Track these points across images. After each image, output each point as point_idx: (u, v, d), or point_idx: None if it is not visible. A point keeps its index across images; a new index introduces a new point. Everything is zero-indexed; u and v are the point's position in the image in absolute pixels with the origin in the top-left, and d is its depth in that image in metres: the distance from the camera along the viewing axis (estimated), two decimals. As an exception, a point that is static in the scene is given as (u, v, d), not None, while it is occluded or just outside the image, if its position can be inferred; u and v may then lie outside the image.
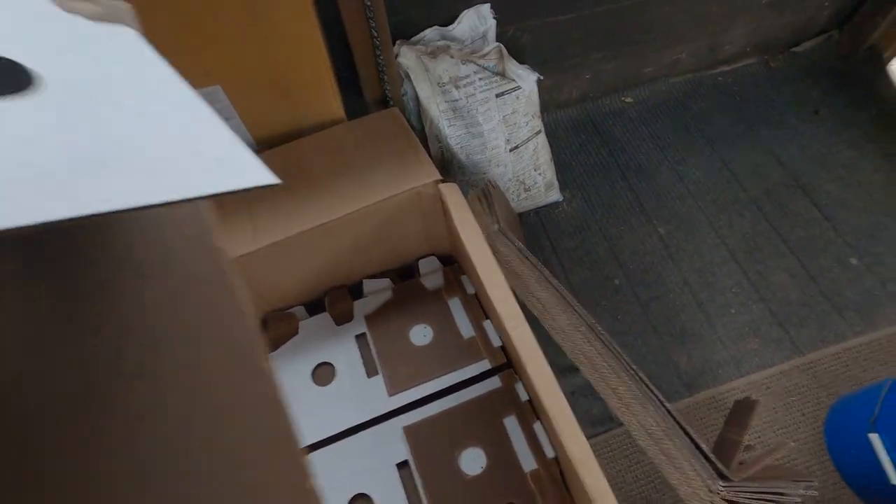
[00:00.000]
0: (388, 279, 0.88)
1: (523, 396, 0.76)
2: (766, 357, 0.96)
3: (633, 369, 0.66)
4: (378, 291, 0.88)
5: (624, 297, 1.04)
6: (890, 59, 1.32)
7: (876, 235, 1.07)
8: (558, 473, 0.71)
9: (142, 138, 0.17)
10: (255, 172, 0.18)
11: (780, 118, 1.25)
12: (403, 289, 0.88)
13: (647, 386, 0.65)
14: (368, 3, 0.77)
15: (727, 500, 0.58)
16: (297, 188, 0.79)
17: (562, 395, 0.58)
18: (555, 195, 1.14)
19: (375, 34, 0.81)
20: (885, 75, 1.31)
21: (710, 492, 0.58)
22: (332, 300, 0.84)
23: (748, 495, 0.57)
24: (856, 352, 0.94)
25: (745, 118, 1.26)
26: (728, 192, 1.15)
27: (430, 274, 0.90)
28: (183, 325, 0.20)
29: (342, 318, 0.83)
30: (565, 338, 0.71)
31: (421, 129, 1.01)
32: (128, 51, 0.21)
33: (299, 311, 0.84)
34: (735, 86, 1.32)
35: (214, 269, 0.22)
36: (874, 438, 0.74)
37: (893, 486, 0.71)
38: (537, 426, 0.73)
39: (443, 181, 0.77)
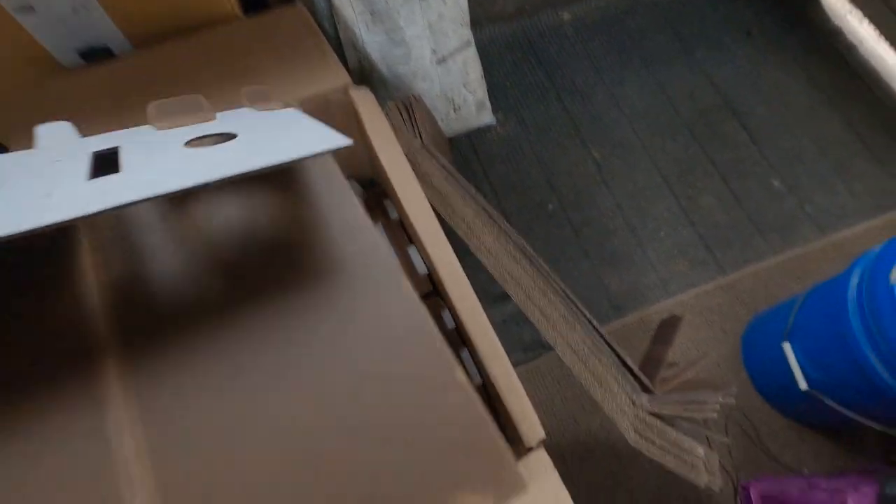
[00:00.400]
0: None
1: (450, 324, 0.72)
2: (693, 278, 0.97)
3: (561, 288, 0.63)
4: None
5: (556, 222, 1.00)
6: (821, -19, 1.31)
7: (798, 156, 1.09)
8: (486, 400, 0.68)
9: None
10: (337, 139, 0.37)
11: (714, 38, 1.22)
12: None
13: (574, 305, 0.62)
14: None
15: (651, 413, 0.57)
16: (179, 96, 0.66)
17: (485, 318, 0.54)
18: (487, 117, 1.07)
19: None
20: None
21: (635, 405, 0.57)
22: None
23: (671, 407, 0.57)
24: (773, 270, 0.97)
25: (681, 37, 1.22)
26: (663, 115, 1.13)
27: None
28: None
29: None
30: (493, 259, 0.66)
31: (335, 37, 0.89)
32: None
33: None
34: (672, 3, 1.26)
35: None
36: (787, 348, 0.77)
37: (801, 391, 0.75)
38: (464, 354, 0.70)
39: (354, 87, 0.67)
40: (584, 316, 0.61)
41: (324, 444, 0.32)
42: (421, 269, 0.75)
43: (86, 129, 0.54)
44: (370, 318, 0.38)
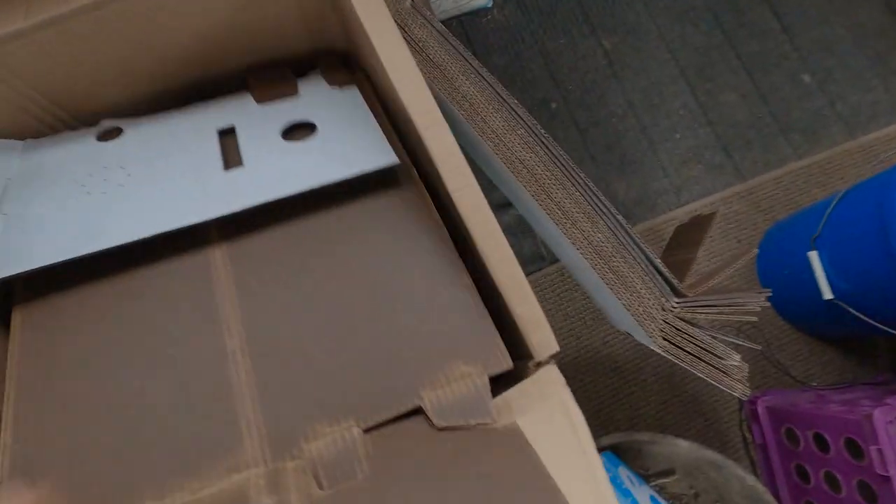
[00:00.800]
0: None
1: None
2: (708, 184, 0.88)
3: (582, 179, 0.53)
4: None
5: (560, 122, 0.89)
6: None
7: (831, 49, 0.97)
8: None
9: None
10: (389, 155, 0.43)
11: None
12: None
13: (596, 197, 0.52)
14: None
15: (681, 318, 0.49)
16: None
17: (491, 215, 0.43)
18: (483, -3, 0.91)
19: None
20: None
21: (664, 310, 0.50)
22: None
23: (704, 309, 0.49)
24: (796, 174, 0.88)
25: None
26: (683, -2, 0.98)
27: (325, 75, 0.67)
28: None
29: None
30: (499, 144, 0.55)
31: None
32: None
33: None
34: None
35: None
36: (813, 256, 0.70)
37: (823, 301, 0.68)
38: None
39: (320, -83, 0.52)
40: (608, 210, 0.52)
41: (354, 314, 0.38)
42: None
43: None
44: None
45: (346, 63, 0.72)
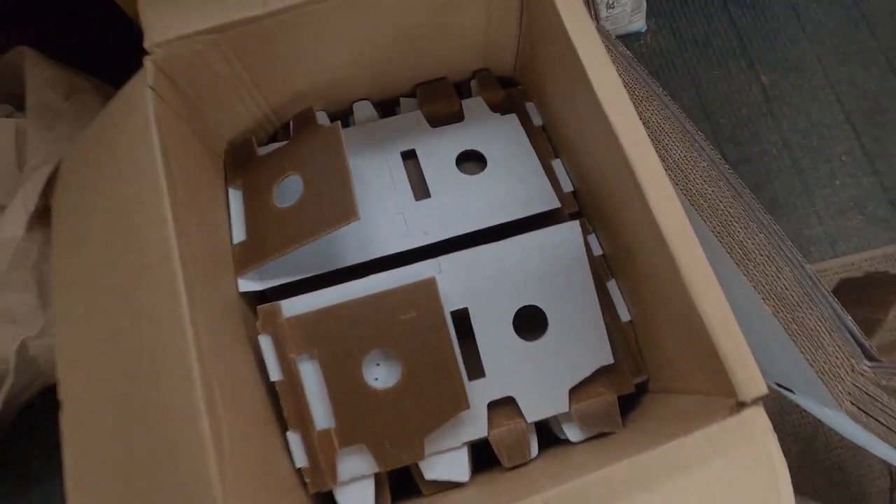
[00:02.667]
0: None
1: (596, 251, 0.62)
2: (869, 237, 0.81)
3: (768, 221, 0.51)
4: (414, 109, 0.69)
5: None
6: None
7: None
8: (634, 340, 0.59)
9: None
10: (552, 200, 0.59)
11: (935, -52, 0.97)
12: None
13: (782, 241, 0.50)
14: None
15: (874, 383, 0.46)
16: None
17: (693, 234, 0.43)
18: (639, 22, 0.90)
19: None
20: None
21: (854, 371, 0.46)
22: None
23: (901, 378, 0.46)
24: (975, 240, 0.80)
25: (891, -56, 0.98)
26: (855, 37, 0.92)
27: (483, 93, 0.70)
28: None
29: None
30: (679, 175, 0.54)
31: None
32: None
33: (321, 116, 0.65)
34: None
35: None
36: None
37: None
38: (610, 284, 0.60)
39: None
40: (796, 257, 0.49)
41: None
42: (567, 186, 0.64)
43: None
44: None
45: (503, 82, 0.74)
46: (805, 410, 0.65)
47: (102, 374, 0.47)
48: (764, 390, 0.39)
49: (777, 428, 0.69)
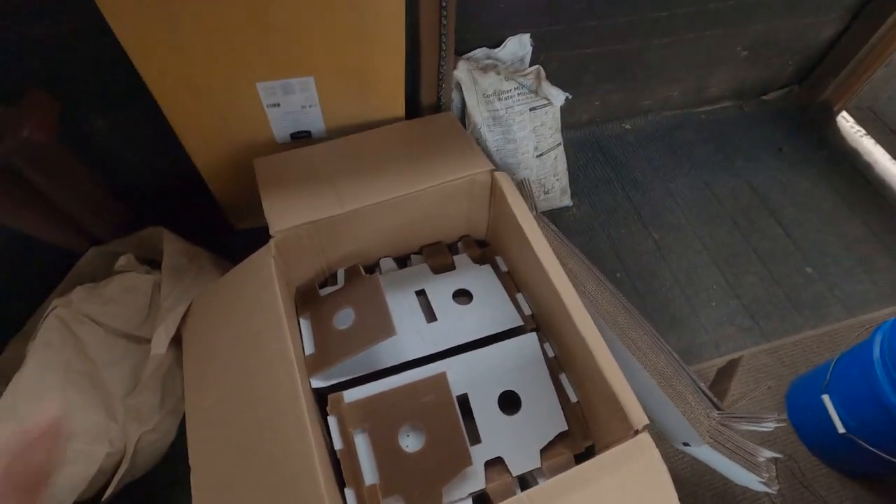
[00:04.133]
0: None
1: (550, 353, 0.91)
2: (740, 342, 1.15)
3: (648, 326, 0.83)
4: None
5: (624, 288, 1.21)
6: (838, 112, 1.60)
7: (825, 251, 1.30)
8: (581, 414, 0.86)
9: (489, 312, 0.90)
10: (515, 319, 0.90)
11: (750, 152, 1.49)
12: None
13: (658, 339, 0.82)
14: (444, 22, 0.94)
15: (721, 423, 0.74)
16: (371, 169, 0.93)
17: (599, 335, 0.74)
18: (567, 200, 1.32)
19: (444, 48, 0.98)
20: (834, 124, 1.58)
21: (708, 417, 0.75)
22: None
23: (735, 419, 0.74)
24: (811, 341, 1.15)
25: (723, 149, 1.49)
26: (709, 208, 1.37)
27: (466, 251, 1.05)
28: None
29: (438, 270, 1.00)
30: (592, 301, 0.87)
31: (462, 133, 1.17)
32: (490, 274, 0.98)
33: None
34: (715, 123, 1.55)
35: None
36: (826, 399, 0.93)
37: (839, 435, 0.90)
38: (562, 377, 0.88)
39: (497, 170, 0.93)
40: (667, 348, 0.81)
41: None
42: (527, 310, 0.96)
43: (315, 189, 0.83)
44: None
45: (479, 243, 1.10)
46: (714, 471, 0.90)
47: (227, 441, 0.70)
48: (646, 421, 0.67)
49: (697, 487, 0.94)
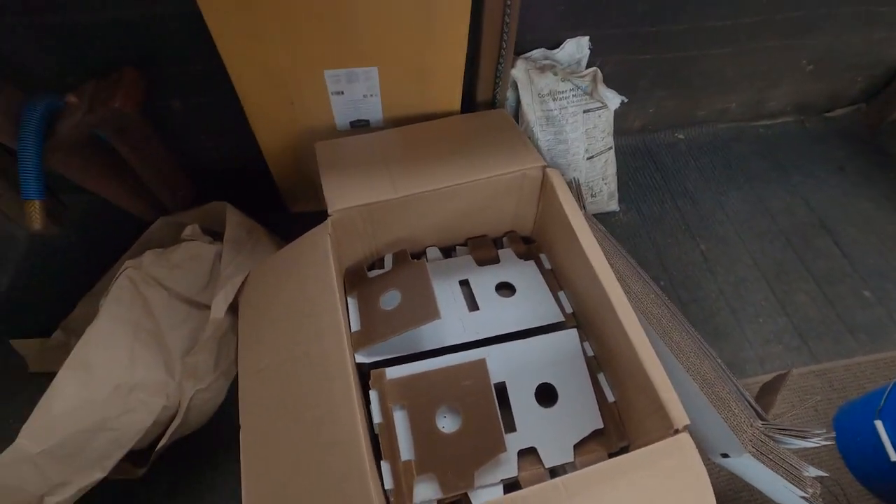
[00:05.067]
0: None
1: (589, 352, 0.91)
2: (787, 360, 1.11)
3: (692, 330, 0.82)
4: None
5: (668, 296, 1.19)
6: (908, 133, 1.53)
7: (886, 275, 1.24)
8: (618, 415, 0.85)
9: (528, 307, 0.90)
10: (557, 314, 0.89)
11: (810, 169, 1.45)
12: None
13: (703, 343, 0.81)
14: (507, 20, 0.96)
15: (766, 434, 0.73)
16: (425, 159, 0.96)
17: (643, 333, 0.74)
18: (614, 205, 1.32)
19: (504, 46, 1.01)
20: (903, 146, 1.51)
21: (752, 427, 0.74)
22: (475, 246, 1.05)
23: (779, 431, 0.72)
24: (864, 366, 1.10)
25: (780, 165, 1.45)
26: (762, 223, 1.33)
27: (511, 246, 1.06)
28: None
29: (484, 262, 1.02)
30: (637, 302, 0.87)
31: (513, 131, 1.19)
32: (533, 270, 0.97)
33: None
34: (773, 138, 1.51)
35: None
36: (879, 425, 0.89)
37: (892, 463, 0.86)
38: (601, 376, 0.88)
39: (549, 167, 0.95)
40: (711, 352, 0.80)
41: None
42: (568, 308, 0.97)
43: (372, 174, 0.87)
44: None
45: (524, 239, 1.11)
46: (752, 488, 0.87)
47: (276, 403, 0.74)
48: (687, 421, 0.66)
49: (733, 500, 0.91)
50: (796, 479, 0.70)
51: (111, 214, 1.12)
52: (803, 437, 0.73)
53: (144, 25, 0.93)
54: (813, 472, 0.71)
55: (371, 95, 1.01)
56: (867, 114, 1.56)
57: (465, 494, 0.76)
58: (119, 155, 0.97)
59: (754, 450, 0.72)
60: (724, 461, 0.82)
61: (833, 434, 0.73)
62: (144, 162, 0.99)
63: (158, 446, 0.85)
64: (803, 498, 0.70)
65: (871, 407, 0.94)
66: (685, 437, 0.66)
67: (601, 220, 1.31)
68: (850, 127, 1.55)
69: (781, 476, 0.71)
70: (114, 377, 0.78)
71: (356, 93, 1.00)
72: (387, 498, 0.74)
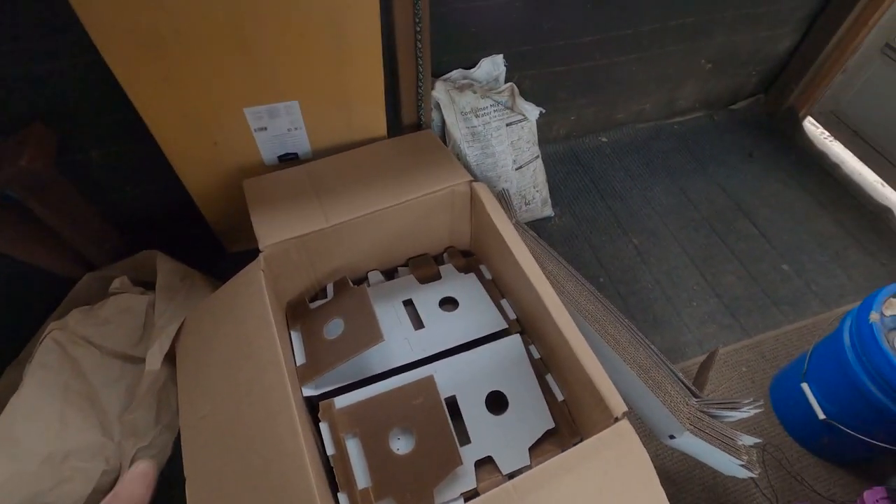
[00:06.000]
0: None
1: (536, 355, 0.94)
2: (722, 338, 1.18)
3: (627, 322, 0.86)
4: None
5: (607, 292, 1.25)
6: (804, 117, 1.67)
7: (800, 248, 1.35)
8: (568, 412, 0.88)
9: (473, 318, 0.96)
10: (499, 322, 0.94)
11: (723, 158, 1.56)
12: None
13: (637, 333, 0.85)
14: (419, 45, 1.00)
15: (700, 410, 0.77)
16: (355, 185, 0.98)
17: (580, 333, 0.77)
18: (548, 210, 1.37)
19: (420, 70, 1.04)
20: (800, 129, 1.65)
21: (688, 405, 0.78)
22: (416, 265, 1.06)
23: (712, 406, 0.77)
24: (790, 335, 1.18)
25: (696, 158, 1.56)
26: (686, 213, 1.42)
27: (452, 261, 1.08)
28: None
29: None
30: (572, 301, 0.90)
31: (443, 150, 1.23)
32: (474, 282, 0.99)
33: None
34: (687, 133, 1.62)
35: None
36: (805, 387, 0.96)
37: (821, 421, 0.92)
38: (548, 377, 0.91)
39: (475, 182, 0.98)
40: (646, 342, 0.84)
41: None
42: (511, 315, 0.99)
43: (302, 206, 0.87)
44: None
45: (464, 253, 1.14)
46: (703, 465, 0.91)
47: (222, 448, 0.72)
48: (624, 408, 0.69)
49: (688, 482, 0.95)
50: (732, 450, 0.74)
51: (32, 276, 1.07)
52: (735, 409, 0.77)
53: (52, 79, 0.91)
54: (747, 440, 0.75)
55: (295, 129, 1.02)
56: (766, 103, 1.71)
57: (427, 514, 0.76)
58: (35, 214, 0.93)
59: (692, 427, 0.76)
60: (672, 442, 0.86)
61: (761, 402, 0.78)
62: (64, 219, 0.96)
63: (101, 514, 0.80)
64: (741, 466, 0.74)
65: (798, 371, 1.00)
66: (625, 425, 0.69)
67: (537, 226, 1.36)
68: (753, 116, 1.68)
69: (719, 448, 0.75)
70: (44, 447, 0.74)
71: (280, 127, 1.01)
72: (347, 530, 0.73)
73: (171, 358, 0.86)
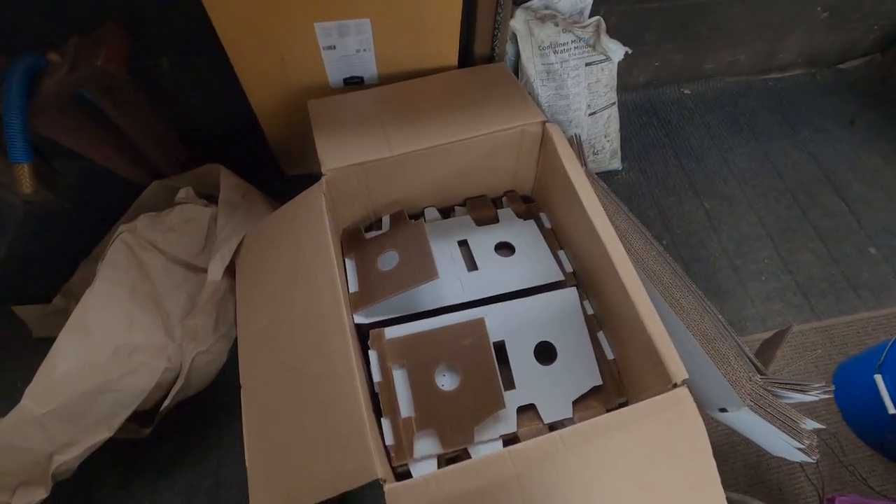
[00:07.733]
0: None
1: (589, 311, 0.91)
2: (789, 318, 1.11)
3: (694, 287, 0.81)
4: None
5: (670, 255, 1.18)
6: (924, 85, 1.47)
7: (893, 232, 1.22)
8: (616, 372, 0.85)
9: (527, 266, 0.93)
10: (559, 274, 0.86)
11: (819, 123, 1.40)
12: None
13: (703, 300, 0.80)
14: (504, -33, 0.91)
15: (764, 388, 0.73)
16: (421, 116, 0.93)
17: (643, 288, 0.73)
18: (616, 163, 1.29)
19: (502, -5, 0.96)
20: (917, 98, 1.46)
21: (750, 381, 0.73)
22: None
23: (778, 385, 0.72)
24: (866, 323, 1.09)
25: (788, 119, 1.41)
26: (768, 180, 1.30)
27: (511, 206, 1.04)
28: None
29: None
30: (638, 259, 0.85)
31: (513, 87, 1.15)
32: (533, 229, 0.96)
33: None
34: (783, 91, 1.46)
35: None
36: (878, 379, 0.90)
37: (891, 416, 0.86)
38: (600, 335, 0.88)
39: (548, 122, 0.92)
40: (712, 309, 0.79)
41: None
42: (568, 267, 0.95)
43: (366, 132, 0.84)
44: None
45: (524, 199, 1.09)
46: (749, 441, 0.88)
47: (276, 362, 0.74)
48: (685, 375, 0.66)
49: (730, 456, 0.93)
50: (794, 431, 0.70)
51: (105, 179, 1.11)
52: (802, 391, 0.73)
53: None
54: (811, 424, 0.71)
55: (364, 50, 0.98)
56: (881, 65, 1.50)
57: (465, 449, 0.77)
58: (108, 117, 0.94)
59: (752, 403, 0.72)
60: (721, 415, 0.83)
61: (832, 388, 0.73)
62: (134, 123, 0.97)
63: (163, 407, 0.86)
64: (799, 449, 0.70)
65: (872, 362, 0.93)
66: (683, 391, 0.66)
67: (603, 179, 1.28)
68: (862, 79, 1.49)
69: (778, 428, 0.71)
70: (113, 340, 0.78)
71: (348, 47, 0.96)
72: (388, 453, 0.75)
73: (230, 271, 0.88)
